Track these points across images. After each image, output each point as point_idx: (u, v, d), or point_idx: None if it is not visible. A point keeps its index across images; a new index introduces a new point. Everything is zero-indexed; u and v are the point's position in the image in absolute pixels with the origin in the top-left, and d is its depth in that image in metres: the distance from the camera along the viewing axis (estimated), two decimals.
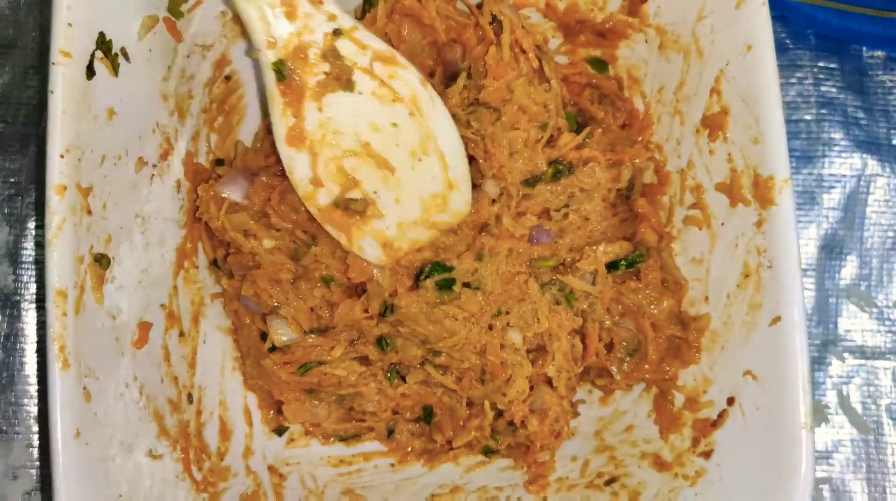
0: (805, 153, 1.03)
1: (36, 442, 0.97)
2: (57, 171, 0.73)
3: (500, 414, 0.87)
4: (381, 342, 0.84)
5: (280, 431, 0.93)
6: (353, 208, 0.78)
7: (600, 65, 0.93)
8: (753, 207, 0.80)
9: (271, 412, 0.93)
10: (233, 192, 0.84)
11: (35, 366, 0.99)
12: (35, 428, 0.98)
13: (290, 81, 0.75)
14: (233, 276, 0.86)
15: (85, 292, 0.75)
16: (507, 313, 0.83)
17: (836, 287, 1.01)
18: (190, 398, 0.87)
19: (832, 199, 1.03)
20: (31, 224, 1.00)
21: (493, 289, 0.83)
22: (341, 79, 0.76)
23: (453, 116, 0.82)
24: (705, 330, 0.85)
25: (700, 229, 0.86)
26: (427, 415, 0.91)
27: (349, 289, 0.84)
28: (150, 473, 0.79)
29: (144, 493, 0.78)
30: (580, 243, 0.87)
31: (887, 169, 1.02)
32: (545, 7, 0.91)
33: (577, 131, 0.87)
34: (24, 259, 1.00)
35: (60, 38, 0.74)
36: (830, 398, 1.00)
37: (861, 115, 1.03)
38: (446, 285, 0.80)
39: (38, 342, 0.99)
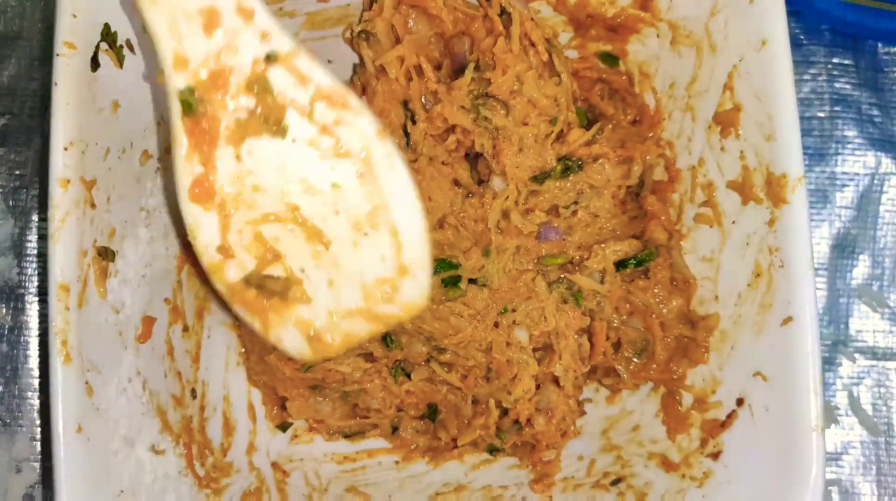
0: (818, 151, 1.02)
1: (39, 436, 0.97)
2: (60, 163, 0.73)
3: (505, 412, 0.87)
4: (386, 339, 0.83)
5: (284, 427, 0.93)
6: (270, 287, 0.63)
7: (611, 60, 0.92)
8: (766, 205, 0.79)
9: (275, 408, 0.92)
10: None
11: (39, 359, 0.99)
12: (39, 422, 0.98)
13: (199, 117, 0.59)
14: None
15: (88, 286, 0.75)
16: (514, 310, 0.83)
17: (847, 287, 1.00)
18: (193, 393, 0.86)
19: (845, 197, 1.01)
20: (36, 217, 1.00)
21: (499, 286, 0.82)
22: (269, 120, 0.60)
23: (461, 109, 0.81)
24: (714, 330, 0.84)
25: (711, 227, 0.85)
26: (432, 413, 0.90)
27: None
28: (153, 468, 0.79)
29: (146, 488, 0.78)
30: (589, 241, 0.87)
31: None
32: (555, 1, 0.90)
33: (587, 127, 0.87)
34: (28, 252, 1.00)
35: (64, 29, 0.74)
36: (841, 399, 0.99)
37: (875, 112, 1.02)
38: (452, 283, 0.79)
39: (42, 336, 0.99)
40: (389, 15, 0.84)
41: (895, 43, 1.02)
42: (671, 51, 0.88)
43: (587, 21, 0.90)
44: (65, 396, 0.71)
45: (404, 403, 0.90)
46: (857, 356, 1.00)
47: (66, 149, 0.73)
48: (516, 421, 0.87)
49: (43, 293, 1.00)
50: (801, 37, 1.03)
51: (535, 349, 0.85)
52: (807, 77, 1.02)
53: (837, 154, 1.02)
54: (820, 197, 1.01)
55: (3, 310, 0.99)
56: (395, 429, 0.92)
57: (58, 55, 0.73)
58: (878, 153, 1.02)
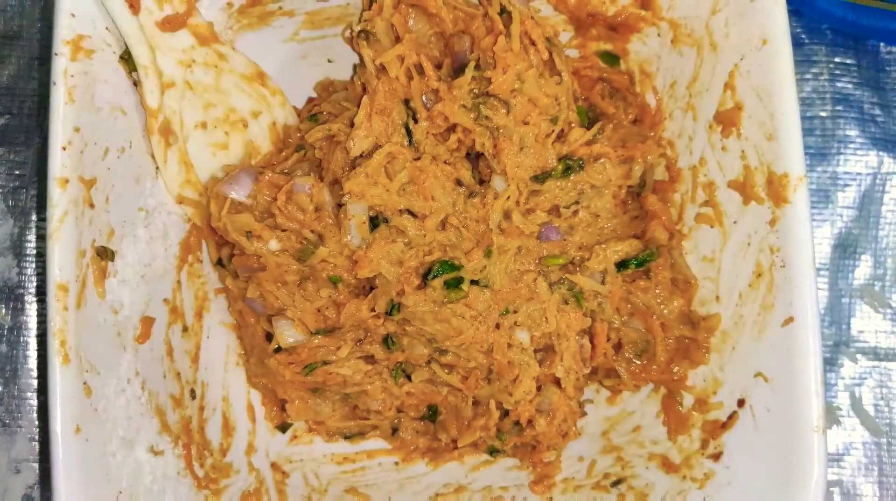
0: (819, 150, 1.01)
1: (38, 436, 0.97)
2: (59, 163, 0.73)
3: (505, 414, 0.86)
4: (387, 341, 0.83)
5: (283, 428, 0.92)
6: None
7: (612, 59, 0.92)
8: (767, 205, 0.78)
9: (275, 408, 0.92)
10: (236, 191, 0.82)
11: (38, 360, 0.98)
12: (38, 422, 0.97)
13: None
14: (238, 276, 0.85)
15: (87, 287, 0.74)
16: (515, 312, 0.82)
17: (849, 287, 1.00)
18: (193, 393, 0.86)
19: (847, 197, 1.01)
20: (35, 217, 1.00)
21: (501, 287, 0.82)
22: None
23: (462, 107, 0.81)
24: (715, 330, 0.84)
25: (712, 226, 0.85)
26: (432, 414, 0.90)
27: (356, 289, 0.83)
28: (152, 469, 0.79)
29: (145, 489, 0.78)
30: (590, 241, 0.86)
31: None
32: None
33: (588, 127, 0.86)
34: (27, 252, 1.00)
35: (63, 28, 0.74)
36: (842, 399, 0.99)
37: (877, 112, 1.02)
38: (454, 284, 0.79)
39: (41, 336, 0.99)
40: (389, 14, 0.83)
41: None
42: (672, 50, 0.88)
43: (588, 20, 0.90)
44: (63, 397, 0.71)
45: (404, 404, 0.90)
46: (858, 356, 0.99)
47: (64, 148, 0.73)
48: (517, 422, 0.86)
49: (42, 294, 0.99)
50: (803, 36, 1.02)
51: (536, 351, 0.84)
52: (808, 76, 1.02)
53: (839, 154, 1.01)
54: (821, 197, 1.01)
55: (3, 310, 0.99)
56: (395, 430, 0.92)
57: (56, 55, 0.73)
58: (880, 153, 1.01)
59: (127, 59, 0.79)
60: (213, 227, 0.84)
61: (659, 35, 0.89)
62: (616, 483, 0.86)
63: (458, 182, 0.83)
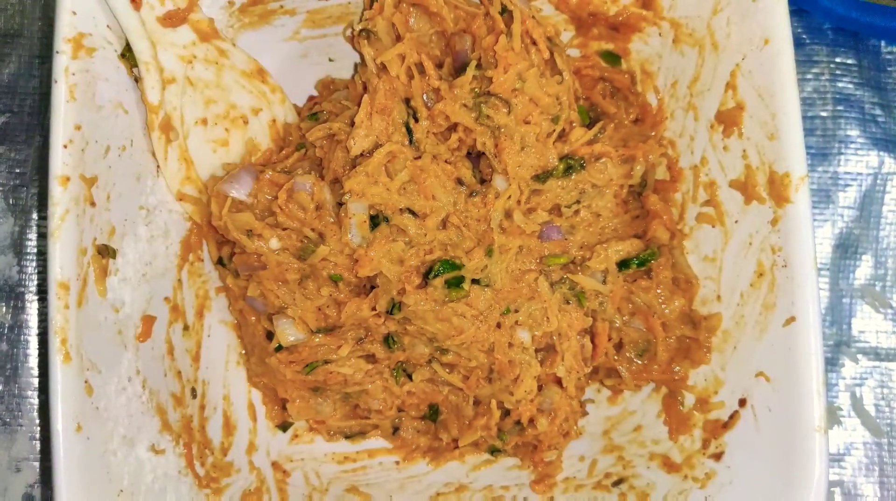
0: (820, 151, 1.01)
1: (39, 435, 0.97)
2: (60, 161, 0.72)
3: (506, 413, 0.86)
4: (388, 340, 0.83)
5: (284, 427, 0.92)
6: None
7: (613, 58, 0.92)
8: (768, 204, 0.78)
9: (275, 407, 0.92)
10: (237, 189, 0.82)
11: (39, 358, 0.98)
12: (38, 421, 0.97)
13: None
14: (238, 275, 0.85)
15: (87, 285, 0.74)
16: (516, 311, 0.82)
17: (850, 287, 1.00)
18: (193, 392, 0.86)
19: (848, 197, 1.01)
20: (36, 215, 1.00)
21: (502, 286, 0.82)
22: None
23: (463, 107, 0.81)
24: (716, 330, 0.83)
25: (713, 226, 0.85)
26: (433, 413, 0.90)
27: (357, 287, 0.83)
28: (152, 468, 0.79)
29: (146, 488, 0.78)
30: (591, 241, 0.86)
31: None
32: None
33: (589, 126, 0.86)
34: (28, 250, 1.00)
35: (64, 26, 0.74)
36: (843, 400, 0.99)
37: (878, 112, 1.02)
38: (455, 283, 0.79)
39: (41, 334, 0.99)
40: (390, 13, 0.83)
41: None
42: (673, 49, 0.88)
43: (589, 19, 0.90)
44: (64, 395, 0.71)
45: (405, 404, 0.89)
46: (859, 356, 0.99)
47: (65, 146, 0.73)
48: (518, 422, 0.86)
49: (43, 292, 0.99)
50: (804, 36, 1.02)
51: (537, 350, 0.84)
52: (809, 76, 1.02)
53: (840, 154, 1.01)
54: (822, 197, 1.01)
55: (3, 309, 0.99)
56: (396, 430, 0.92)
57: (57, 52, 0.73)
58: (881, 153, 1.01)
59: (128, 56, 0.79)
60: (214, 226, 0.84)
61: (660, 35, 0.89)
62: (617, 483, 0.86)
63: (459, 181, 0.83)
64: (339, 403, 0.90)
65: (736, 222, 0.82)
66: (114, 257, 0.78)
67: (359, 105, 0.82)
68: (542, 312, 0.83)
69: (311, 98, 0.95)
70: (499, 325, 0.82)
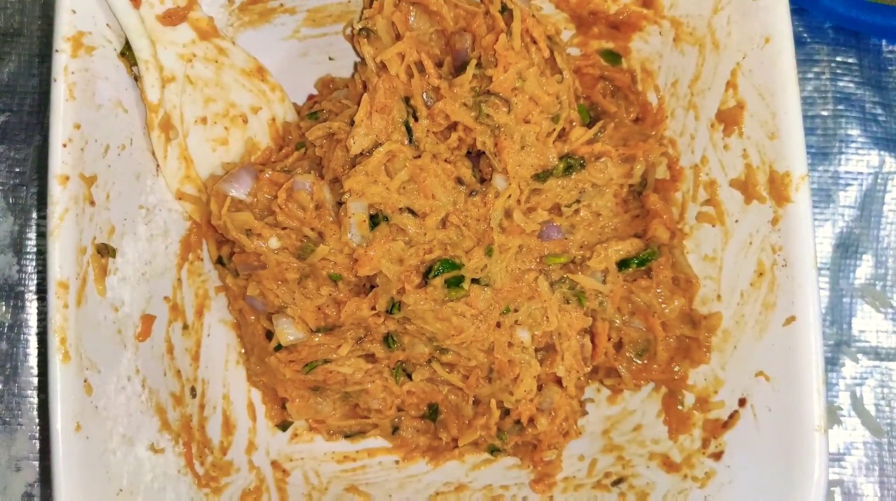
0: (821, 150, 1.01)
1: (39, 434, 0.97)
2: (59, 160, 0.72)
3: (506, 413, 0.86)
4: (387, 340, 0.83)
5: (284, 426, 0.92)
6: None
7: (613, 57, 0.92)
8: (769, 204, 0.78)
9: (275, 407, 0.92)
10: (237, 189, 0.82)
11: (38, 357, 0.98)
12: (38, 420, 0.97)
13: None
14: (238, 274, 0.85)
15: (87, 284, 0.74)
16: (516, 310, 0.82)
17: (850, 287, 1.00)
18: (193, 391, 0.86)
19: (848, 197, 1.01)
20: (36, 214, 1.00)
21: (501, 286, 0.81)
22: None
23: (463, 106, 0.81)
24: (716, 329, 0.83)
25: (713, 225, 0.85)
26: (432, 413, 0.90)
27: (356, 287, 0.83)
28: (152, 467, 0.79)
29: (145, 487, 0.78)
30: (591, 240, 0.86)
31: None
32: None
33: (589, 125, 0.86)
34: (27, 250, 1.00)
35: (63, 24, 0.74)
36: (843, 399, 0.98)
37: (879, 111, 1.02)
38: (455, 283, 0.79)
39: (41, 334, 0.98)
40: (390, 12, 0.83)
41: None
42: (674, 48, 0.88)
43: (589, 18, 0.90)
44: (64, 394, 0.71)
45: (405, 403, 0.89)
46: (860, 356, 0.99)
47: (64, 145, 0.73)
48: (518, 421, 0.86)
49: (42, 291, 0.99)
50: (805, 35, 1.02)
51: (537, 350, 0.84)
52: (810, 76, 1.02)
53: (841, 153, 1.01)
54: (823, 196, 1.01)
55: (3, 308, 0.99)
56: (395, 429, 0.92)
57: (57, 51, 0.73)
58: (882, 152, 1.01)
59: (127, 54, 0.79)
60: (214, 225, 0.84)
61: (661, 33, 0.89)
62: (617, 483, 0.86)
63: (459, 181, 0.83)
64: (339, 402, 0.90)
65: (736, 221, 0.82)
66: (113, 256, 0.77)
67: (358, 104, 0.82)
68: (542, 311, 0.83)
69: (310, 97, 0.95)
70: (498, 324, 0.82)
